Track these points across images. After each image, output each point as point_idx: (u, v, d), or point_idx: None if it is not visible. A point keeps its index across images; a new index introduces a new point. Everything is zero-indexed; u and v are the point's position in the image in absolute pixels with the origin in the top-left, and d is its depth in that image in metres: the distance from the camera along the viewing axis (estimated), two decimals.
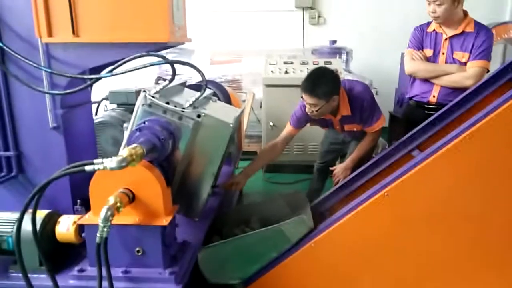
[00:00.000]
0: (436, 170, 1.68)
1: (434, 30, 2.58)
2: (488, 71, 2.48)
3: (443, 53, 2.55)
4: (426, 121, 2.21)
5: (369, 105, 2.45)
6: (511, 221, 1.70)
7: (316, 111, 2.35)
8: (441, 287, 1.81)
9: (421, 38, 2.63)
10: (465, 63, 2.48)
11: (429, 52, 2.60)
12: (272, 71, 4.15)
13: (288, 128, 2.59)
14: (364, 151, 2.57)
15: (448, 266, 1.78)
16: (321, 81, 2.33)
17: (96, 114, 3.00)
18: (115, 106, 2.89)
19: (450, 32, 2.52)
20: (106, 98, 2.95)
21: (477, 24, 2.50)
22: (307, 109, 2.43)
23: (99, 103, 3.02)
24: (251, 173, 2.46)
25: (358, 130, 2.59)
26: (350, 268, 1.85)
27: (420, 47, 2.63)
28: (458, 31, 2.49)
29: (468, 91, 2.12)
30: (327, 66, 4.10)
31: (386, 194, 1.72)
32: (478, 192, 1.69)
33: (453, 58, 2.52)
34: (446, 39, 2.53)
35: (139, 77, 3.60)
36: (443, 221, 1.73)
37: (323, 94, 2.31)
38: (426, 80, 2.61)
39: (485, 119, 1.60)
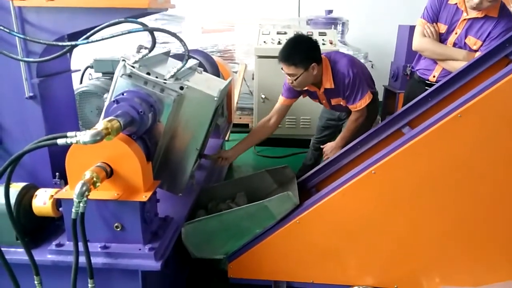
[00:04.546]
0: (424, 149, 1.64)
1: (456, 3, 2.29)
2: None
3: (456, 33, 2.32)
4: (418, 97, 2.15)
5: (352, 82, 2.32)
6: (497, 203, 1.68)
7: (295, 80, 2.27)
8: (426, 265, 1.82)
9: (438, 9, 2.36)
10: (475, 51, 2.27)
11: (442, 27, 2.36)
12: (264, 42, 4.02)
13: (280, 100, 2.52)
14: (353, 129, 2.49)
15: (433, 244, 1.78)
16: (297, 49, 2.24)
17: (80, 83, 2.90)
18: (100, 74, 2.80)
19: (472, 13, 2.25)
20: (91, 66, 2.85)
21: (502, 10, 2.23)
22: (287, 80, 2.35)
23: (83, 71, 2.91)
24: (241, 151, 2.41)
25: (345, 105, 2.51)
26: (335, 245, 1.84)
27: (435, 19, 2.37)
28: (480, 14, 2.23)
29: (463, 67, 2.06)
30: (322, 37, 4.05)
31: (373, 172, 1.69)
32: (466, 171, 1.66)
33: (464, 43, 2.30)
34: (464, 19, 2.28)
35: (127, 45, 3.47)
36: (429, 200, 1.71)
37: (300, 62, 2.21)
38: None
39: (475, 99, 1.55)
